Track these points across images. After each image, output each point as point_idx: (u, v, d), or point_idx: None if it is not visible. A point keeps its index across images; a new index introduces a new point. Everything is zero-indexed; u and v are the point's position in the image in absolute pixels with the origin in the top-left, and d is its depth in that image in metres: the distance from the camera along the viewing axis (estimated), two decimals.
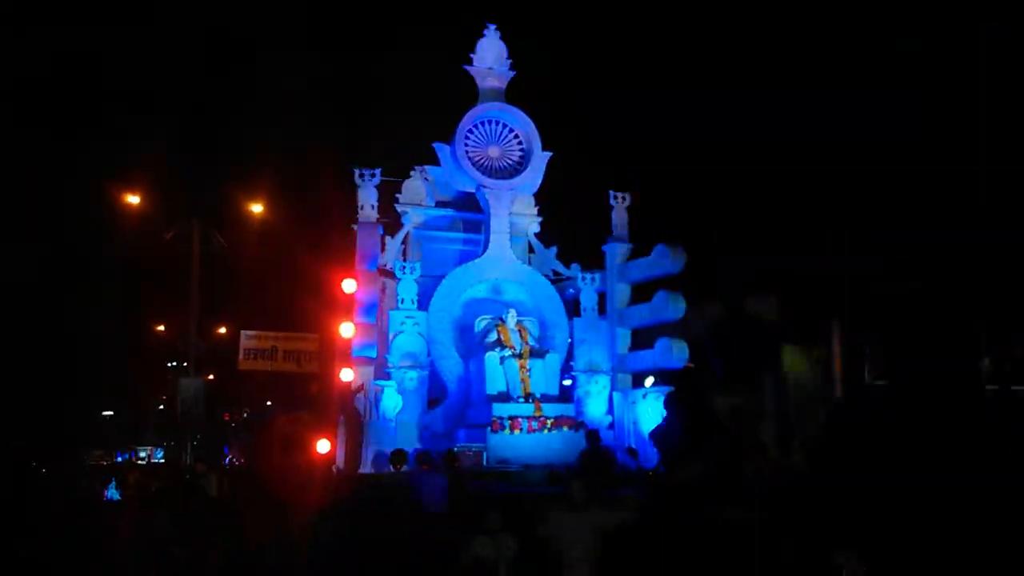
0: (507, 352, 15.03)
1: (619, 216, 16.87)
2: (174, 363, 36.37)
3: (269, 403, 35.35)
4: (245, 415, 39.30)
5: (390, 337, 14.88)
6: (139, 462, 36.30)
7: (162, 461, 33.00)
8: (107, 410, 40.08)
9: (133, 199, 21.41)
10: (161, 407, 40.50)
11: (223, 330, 28.46)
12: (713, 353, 15.98)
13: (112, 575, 8.90)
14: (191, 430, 21.86)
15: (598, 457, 11.04)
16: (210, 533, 8.06)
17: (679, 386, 15.47)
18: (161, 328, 32.99)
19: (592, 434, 12.62)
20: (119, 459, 36.37)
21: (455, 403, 15.58)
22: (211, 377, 32.47)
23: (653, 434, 10.46)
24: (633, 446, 14.53)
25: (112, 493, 15.30)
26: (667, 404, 12.62)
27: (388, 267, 15.79)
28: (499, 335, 15.32)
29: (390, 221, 16.67)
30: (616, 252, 16.65)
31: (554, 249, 17.52)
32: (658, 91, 26.11)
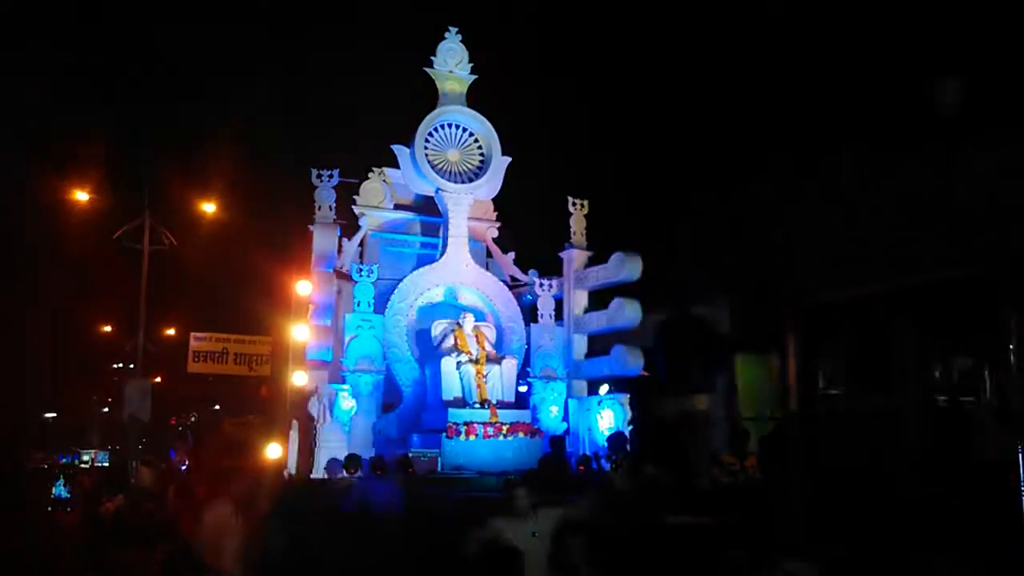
0: (463, 357, 14.91)
1: (577, 222, 16.90)
2: (120, 364, 35.50)
3: (217, 407, 34.67)
4: (193, 419, 38.48)
5: (345, 340, 14.66)
6: (83, 465, 35.24)
7: (106, 465, 32.08)
8: (49, 412, 38.94)
9: (81, 195, 20.85)
10: (106, 410, 39.46)
11: (172, 331, 27.84)
12: (657, 359, 16.03)
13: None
14: (137, 434, 21.31)
15: (556, 463, 10.98)
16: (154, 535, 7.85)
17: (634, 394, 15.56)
18: (108, 328, 32.17)
19: (557, 440, 12.53)
20: (61, 461, 35.28)
21: (410, 408, 15.41)
22: (158, 380, 31.80)
23: (609, 439, 10.45)
24: (587, 453, 14.54)
25: (60, 491, 14.93)
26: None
27: (344, 269, 15.58)
28: (455, 340, 15.21)
29: (347, 223, 16.47)
30: (573, 258, 16.68)
31: (512, 254, 17.48)
32: (621, 96, 26.29)
